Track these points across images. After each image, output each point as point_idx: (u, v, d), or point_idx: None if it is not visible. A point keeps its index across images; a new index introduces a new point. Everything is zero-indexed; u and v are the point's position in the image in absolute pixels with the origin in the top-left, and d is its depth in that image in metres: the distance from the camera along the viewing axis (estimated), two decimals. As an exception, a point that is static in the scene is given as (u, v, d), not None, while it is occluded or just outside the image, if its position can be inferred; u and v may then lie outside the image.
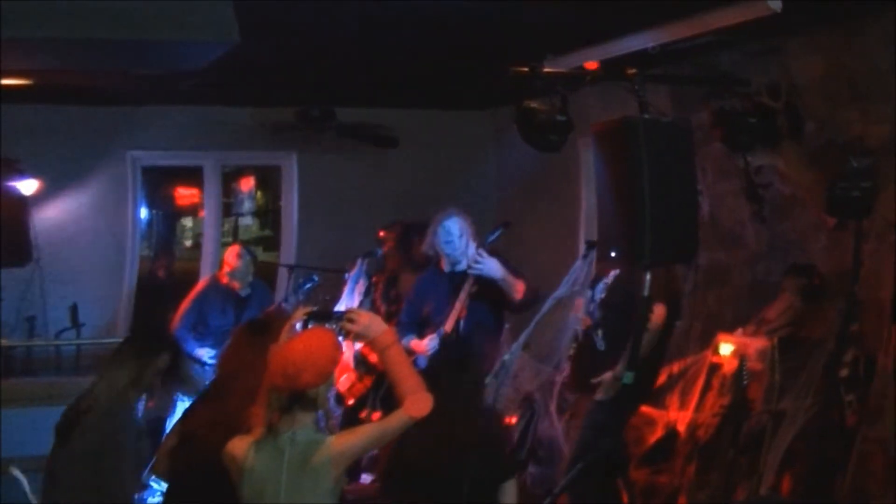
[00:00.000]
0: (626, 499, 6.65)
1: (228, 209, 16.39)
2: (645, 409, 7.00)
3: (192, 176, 11.99)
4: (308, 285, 8.06)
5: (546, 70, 6.67)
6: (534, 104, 6.59)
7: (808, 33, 6.85)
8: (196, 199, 15.20)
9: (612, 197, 5.86)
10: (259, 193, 17.92)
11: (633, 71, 5.96)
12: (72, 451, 4.81)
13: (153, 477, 5.23)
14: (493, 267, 6.68)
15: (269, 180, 16.48)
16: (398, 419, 3.96)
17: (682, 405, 6.90)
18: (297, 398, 3.93)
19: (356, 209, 10.32)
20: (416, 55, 7.65)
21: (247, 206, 18.03)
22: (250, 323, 5.15)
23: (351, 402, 7.33)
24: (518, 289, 6.77)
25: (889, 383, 5.95)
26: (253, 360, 4.33)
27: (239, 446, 4.01)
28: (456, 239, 6.85)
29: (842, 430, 6.02)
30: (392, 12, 6.26)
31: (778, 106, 6.89)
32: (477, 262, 6.66)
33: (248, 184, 17.72)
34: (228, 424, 4.24)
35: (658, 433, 6.99)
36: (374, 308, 8.00)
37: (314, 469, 3.91)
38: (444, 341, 6.59)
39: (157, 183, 14.35)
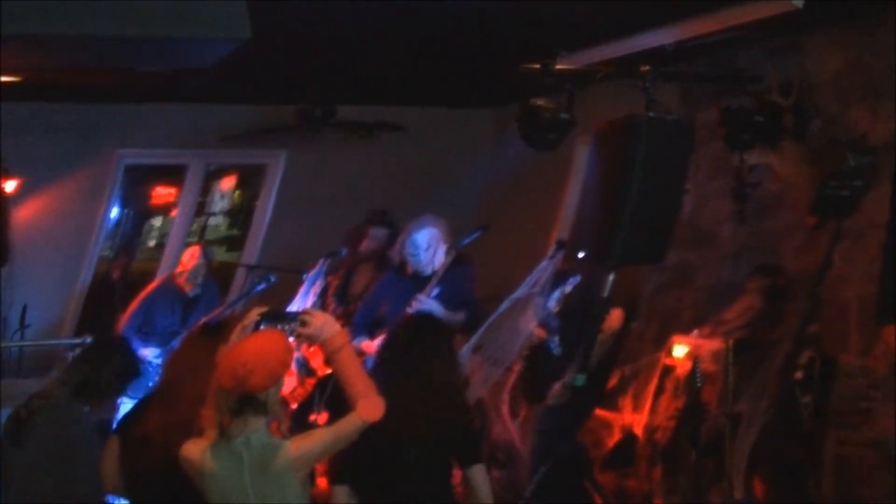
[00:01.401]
0: (598, 501, 6.63)
1: (202, 208, 16.31)
2: (599, 411, 6.95)
3: (174, 175, 11.56)
4: (262, 286, 7.84)
5: (557, 67, 6.49)
6: (540, 102, 6.45)
7: (829, 30, 6.73)
8: (171, 199, 15.02)
9: (595, 196, 5.75)
10: (237, 192, 17.81)
11: (647, 68, 5.83)
12: (26, 454, 4.78)
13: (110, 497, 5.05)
14: (431, 309, 6.43)
15: (250, 179, 16.37)
16: (351, 424, 3.88)
17: (636, 408, 6.87)
18: (248, 401, 3.82)
19: (337, 209, 9.96)
20: (421, 52, 7.58)
21: (221, 204, 17.92)
22: (204, 325, 5.03)
23: (294, 406, 7.14)
24: (456, 324, 6.59)
25: (860, 385, 5.98)
26: (206, 363, 4.16)
27: (193, 450, 3.92)
28: (422, 252, 6.68)
29: (801, 433, 5.97)
30: (396, 9, 6.21)
31: (787, 104, 6.79)
32: (417, 304, 6.46)
33: (228, 183, 17.60)
34: (185, 429, 4.12)
35: (616, 436, 6.96)
36: (323, 306, 7.82)
37: (277, 474, 3.85)
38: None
39: (137, 182, 14.17)
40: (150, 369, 7.63)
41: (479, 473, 4.53)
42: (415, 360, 4.47)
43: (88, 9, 5.34)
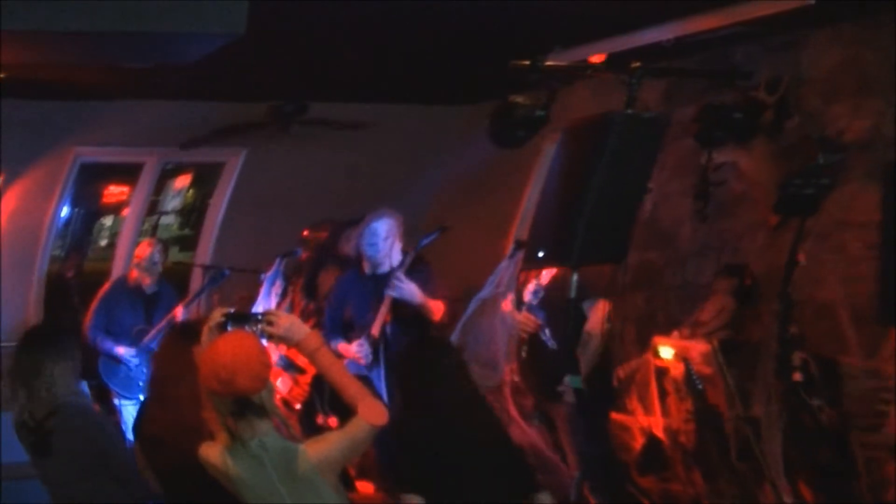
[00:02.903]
0: (647, 504, 6.48)
1: (154, 207, 16.15)
2: (613, 415, 6.84)
3: (129, 173, 11.38)
4: (217, 282, 7.76)
5: (547, 63, 6.37)
6: (519, 98, 6.34)
7: (834, 26, 6.60)
8: (123, 197, 14.87)
9: (556, 195, 5.58)
10: (191, 191, 17.67)
11: (637, 64, 5.65)
12: (56, 462, 4.78)
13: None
14: (410, 291, 6.34)
15: (205, 178, 16.26)
16: (362, 429, 3.80)
17: (647, 410, 6.71)
18: (245, 404, 3.74)
19: (292, 208, 9.75)
20: (398, 49, 7.36)
21: (174, 203, 17.77)
22: (180, 327, 5.09)
23: (298, 406, 7.05)
24: (436, 311, 6.44)
25: (868, 387, 5.90)
26: (190, 363, 4.19)
27: (213, 454, 3.86)
28: (380, 241, 6.46)
29: (824, 436, 5.86)
30: (375, 8, 6.03)
31: (770, 101, 6.71)
32: (395, 285, 6.32)
33: (183, 181, 17.46)
34: (190, 429, 4.13)
35: (639, 439, 6.81)
36: (292, 306, 7.75)
37: (305, 479, 3.78)
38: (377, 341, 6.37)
39: (90, 180, 14.04)
40: (132, 367, 7.73)
41: (547, 498, 4.43)
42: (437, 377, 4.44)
43: (81, 4, 5.12)
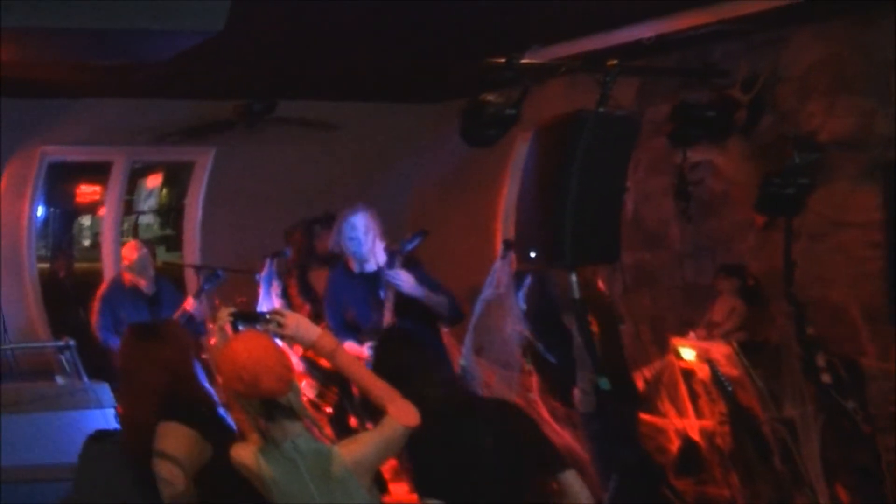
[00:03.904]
0: (682, 507, 6.43)
1: (130, 207, 16.02)
2: (648, 417, 6.76)
3: (98, 172, 11.30)
4: (212, 283, 7.66)
5: (522, 61, 6.29)
6: (490, 97, 6.29)
7: (817, 24, 6.60)
8: (97, 197, 14.67)
9: (535, 195, 5.58)
10: (164, 191, 17.52)
11: (614, 62, 5.66)
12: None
13: None
14: (407, 283, 6.16)
15: (177, 177, 16.11)
16: (395, 430, 3.74)
17: (680, 412, 6.67)
18: (274, 406, 3.67)
19: (267, 207, 9.77)
20: (367, 48, 7.31)
21: (149, 203, 17.61)
22: (139, 326, 4.87)
23: (329, 409, 6.98)
24: (443, 306, 6.29)
25: (885, 389, 5.87)
26: (139, 365, 4.27)
27: (246, 455, 3.77)
28: (361, 235, 6.27)
29: (861, 438, 5.81)
30: (345, 6, 5.97)
31: (745, 99, 6.71)
32: (391, 280, 6.15)
33: (154, 180, 17.30)
34: (132, 427, 4.20)
35: (675, 442, 6.75)
36: (293, 307, 7.65)
37: (339, 481, 3.70)
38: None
39: (60, 179, 13.87)
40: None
41: (574, 478, 4.23)
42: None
43: (58, 3, 5.09)
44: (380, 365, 4.37)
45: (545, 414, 6.73)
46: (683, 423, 6.66)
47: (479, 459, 4.17)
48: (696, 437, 6.61)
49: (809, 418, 5.80)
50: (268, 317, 3.89)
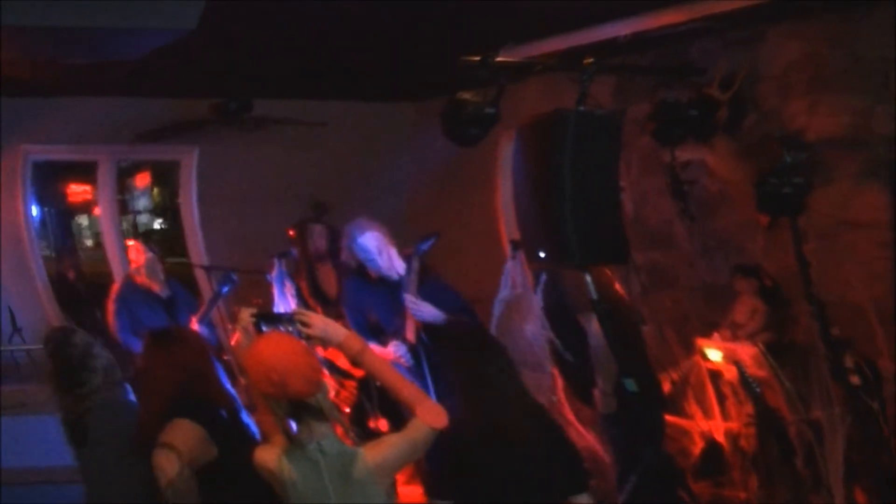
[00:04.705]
0: (697, 512, 6.41)
1: (124, 206, 15.95)
2: (673, 419, 6.72)
3: (85, 172, 11.37)
4: (229, 285, 7.64)
5: (497, 59, 6.23)
6: (467, 95, 6.27)
7: (793, 21, 6.62)
8: (89, 196, 14.60)
9: (530, 194, 5.58)
10: (156, 190, 17.48)
11: (590, 60, 5.61)
12: (92, 456, 4.75)
13: None
14: (428, 313, 6.10)
15: (165, 176, 16.04)
16: (422, 432, 3.81)
17: (707, 414, 6.68)
18: (302, 407, 3.74)
19: (260, 206, 9.79)
20: (342, 46, 7.23)
21: (143, 203, 17.56)
22: (157, 331, 4.91)
23: (346, 409, 6.90)
24: (460, 327, 6.09)
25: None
26: (157, 366, 4.42)
27: (269, 458, 3.84)
28: (376, 257, 6.26)
29: (884, 441, 5.79)
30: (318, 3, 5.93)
31: (724, 98, 6.70)
32: (412, 308, 6.10)
33: (143, 180, 17.25)
34: (142, 423, 4.34)
35: (698, 444, 6.76)
36: (308, 308, 7.54)
37: (359, 483, 3.77)
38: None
39: (48, 179, 13.81)
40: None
41: (586, 500, 4.31)
42: (481, 373, 4.34)
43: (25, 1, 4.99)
44: (462, 370, 4.43)
45: (569, 415, 6.80)
46: (709, 425, 6.68)
47: (527, 466, 4.24)
48: (720, 439, 6.62)
49: (836, 420, 5.79)
50: (290, 317, 3.93)
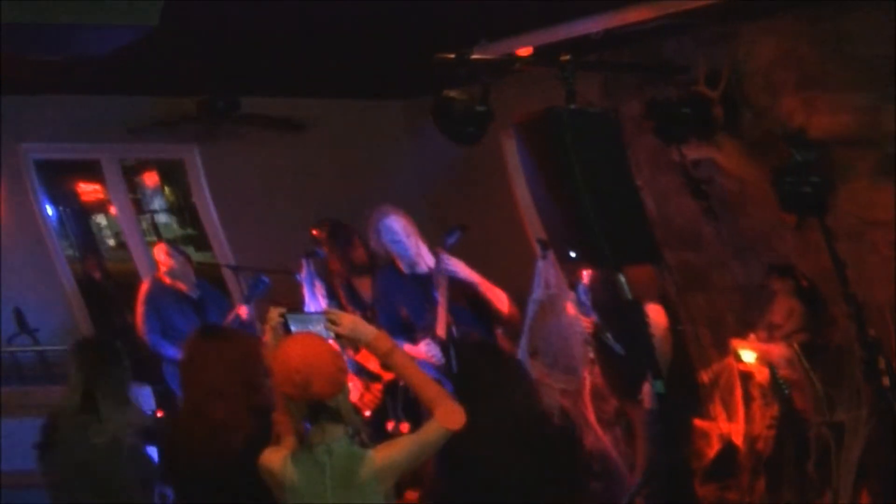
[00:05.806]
0: (700, 515, 6.45)
1: (138, 206, 15.96)
2: (697, 422, 6.75)
3: (90, 170, 11.50)
4: (260, 288, 7.68)
5: (473, 57, 6.20)
6: (452, 94, 6.27)
7: (764, 18, 6.60)
8: (101, 195, 14.64)
9: (546, 194, 5.59)
10: (167, 189, 17.47)
11: (567, 57, 5.61)
12: (57, 464, 4.92)
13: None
14: (462, 269, 6.25)
15: (173, 175, 16.04)
16: (435, 432, 3.82)
17: (730, 416, 6.66)
18: (320, 408, 3.75)
19: (274, 204, 9.80)
20: (329, 43, 7.20)
21: (157, 202, 17.56)
22: (206, 327, 5.18)
23: (367, 413, 6.94)
24: (502, 299, 6.35)
25: None
26: (203, 362, 4.41)
27: (274, 460, 3.86)
28: (403, 238, 6.38)
29: None
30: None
31: (714, 95, 6.70)
32: (445, 263, 6.21)
33: (152, 179, 17.24)
34: (191, 420, 4.35)
35: (715, 446, 6.77)
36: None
37: (360, 485, 3.77)
38: (450, 345, 6.15)
39: (54, 178, 13.77)
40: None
41: None
42: (493, 391, 4.36)
43: None
44: (463, 379, 4.54)
45: (591, 417, 6.81)
46: (729, 428, 6.68)
47: (533, 472, 4.29)
48: (738, 441, 6.63)
49: (860, 422, 5.83)
50: (320, 316, 3.96)
